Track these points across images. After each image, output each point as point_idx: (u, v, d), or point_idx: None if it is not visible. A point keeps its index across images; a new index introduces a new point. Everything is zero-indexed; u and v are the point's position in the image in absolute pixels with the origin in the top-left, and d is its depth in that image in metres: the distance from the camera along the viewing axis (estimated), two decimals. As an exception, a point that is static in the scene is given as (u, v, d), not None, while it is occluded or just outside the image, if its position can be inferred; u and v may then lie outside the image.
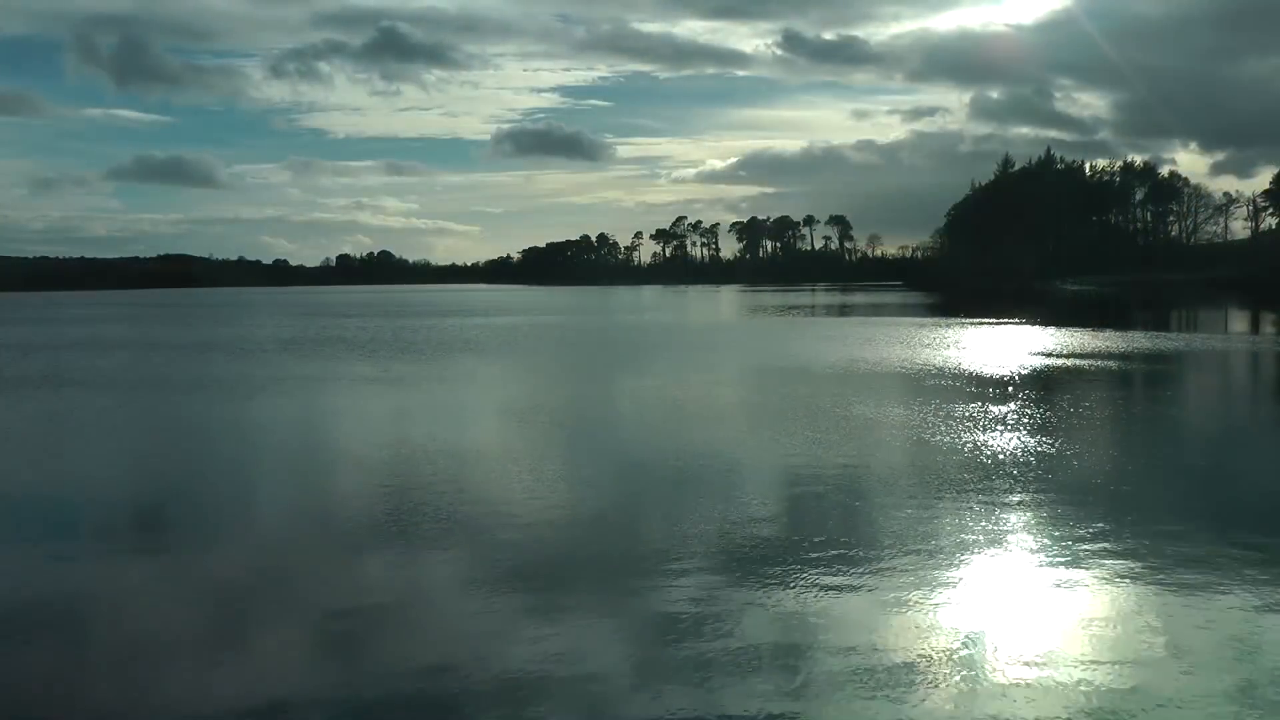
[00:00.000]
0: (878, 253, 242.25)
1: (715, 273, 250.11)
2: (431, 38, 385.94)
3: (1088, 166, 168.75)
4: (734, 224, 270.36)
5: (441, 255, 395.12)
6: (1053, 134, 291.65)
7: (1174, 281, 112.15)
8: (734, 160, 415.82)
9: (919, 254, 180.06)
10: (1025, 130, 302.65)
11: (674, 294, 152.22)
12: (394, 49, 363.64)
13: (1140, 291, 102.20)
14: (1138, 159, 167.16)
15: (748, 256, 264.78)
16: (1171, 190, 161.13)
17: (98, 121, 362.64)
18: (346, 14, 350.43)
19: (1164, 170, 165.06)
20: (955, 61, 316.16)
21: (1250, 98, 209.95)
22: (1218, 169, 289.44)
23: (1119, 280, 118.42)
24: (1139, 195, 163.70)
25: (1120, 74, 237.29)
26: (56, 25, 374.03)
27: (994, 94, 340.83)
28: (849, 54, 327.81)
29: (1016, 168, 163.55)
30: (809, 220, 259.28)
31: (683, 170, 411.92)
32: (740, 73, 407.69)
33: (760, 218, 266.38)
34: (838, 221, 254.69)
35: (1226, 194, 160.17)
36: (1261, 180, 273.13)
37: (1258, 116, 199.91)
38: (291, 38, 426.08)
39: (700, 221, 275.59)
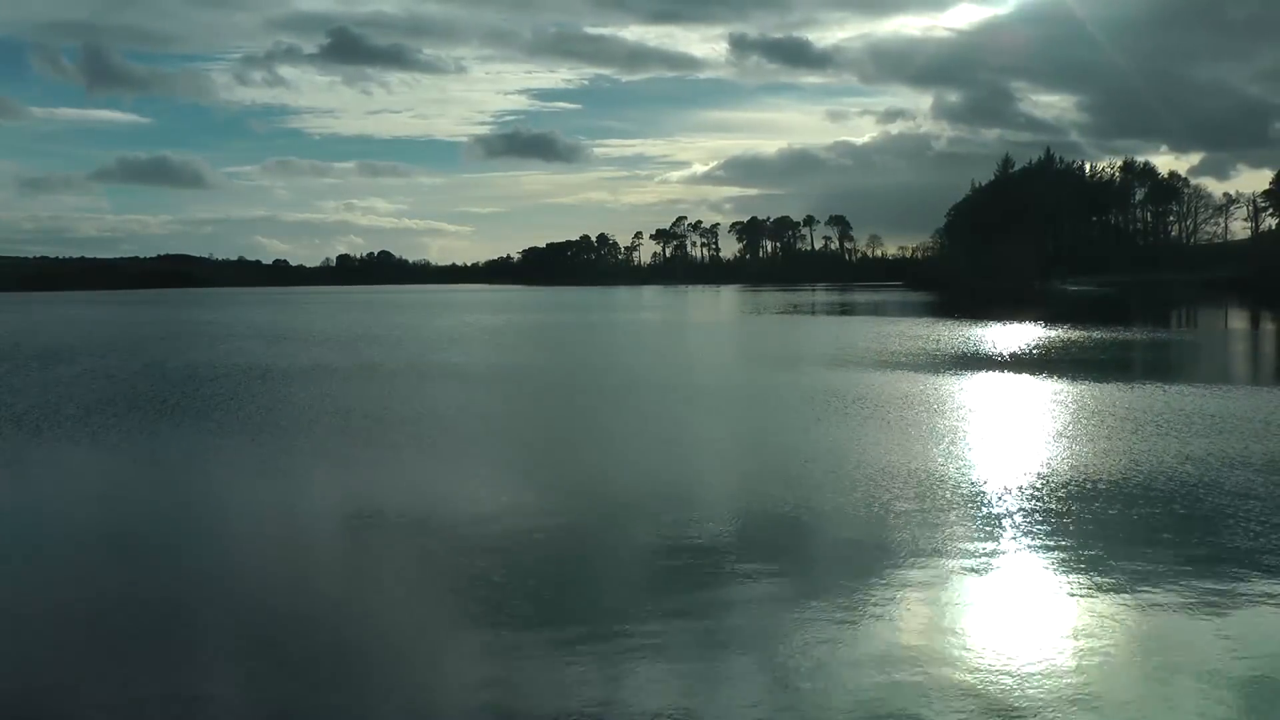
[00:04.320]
0: (878, 253, 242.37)
1: (716, 273, 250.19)
2: (385, 41, 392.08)
3: (1088, 167, 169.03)
4: (734, 224, 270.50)
5: (436, 255, 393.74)
6: (1026, 136, 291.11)
7: (1174, 282, 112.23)
8: (715, 162, 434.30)
9: (919, 254, 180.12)
10: (995, 132, 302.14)
11: (674, 294, 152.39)
12: (351, 52, 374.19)
13: (1140, 292, 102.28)
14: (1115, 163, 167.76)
15: (748, 257, 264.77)
16: (1171, 190, 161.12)
17: (75, 123, 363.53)
18: (296, 19, 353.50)
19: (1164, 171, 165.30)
20: (909, 65, 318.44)
21: (1214, 100, 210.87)
22: (1194, 173, 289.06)
23: (1119, 280, 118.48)
24: (1139, 195, 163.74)
25: (1079, 77, 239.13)
26: (20, 30, 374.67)
27: (952, 98, 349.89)
28: (801, 58, 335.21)
29: (1017, 168, 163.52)
30: (809, 220, 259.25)
31: (664, 171, 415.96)
32: (699, 75, 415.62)
33: (760, 218, 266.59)
34: (838, 222, 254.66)
35: (1226, 194, 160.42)
36: (1242, 183, 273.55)
37: (1223, 119, 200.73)
38: (247, 42, 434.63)
39: (700, 222, 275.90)
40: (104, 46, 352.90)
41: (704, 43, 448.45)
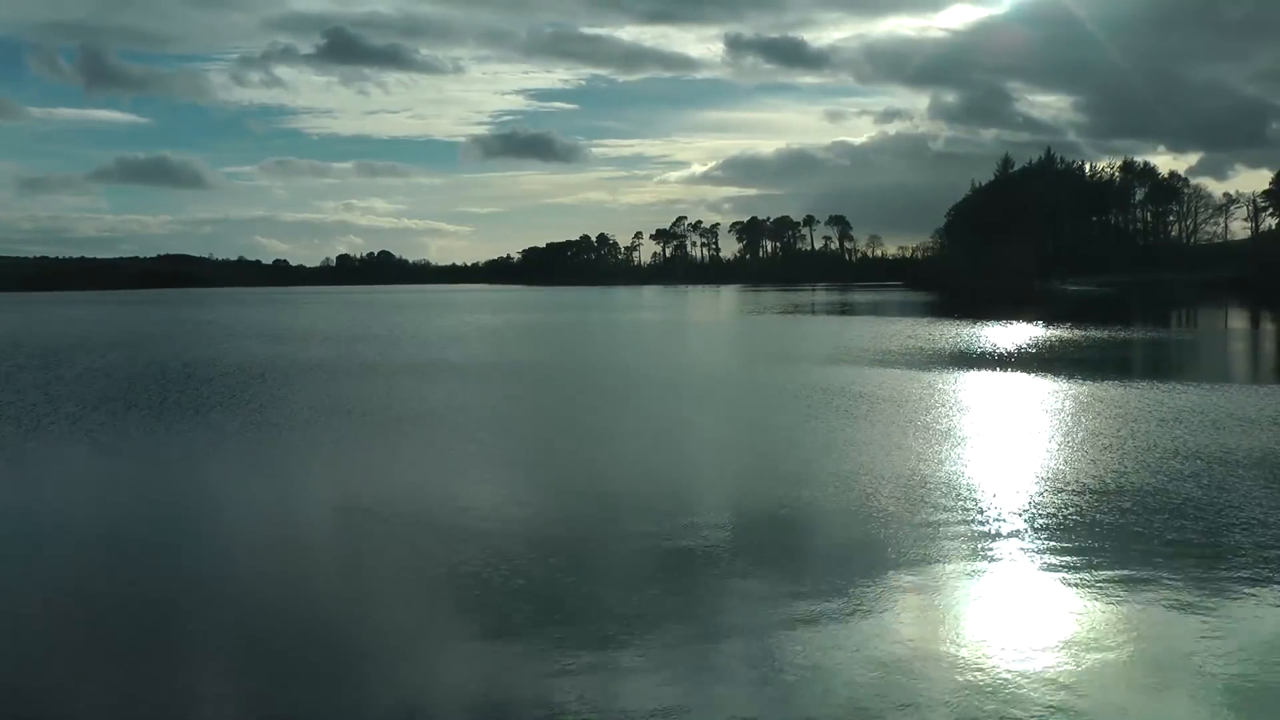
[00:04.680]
0: (877, 253, 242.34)
1: (716, 273, 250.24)
2: (382, 41, 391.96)
3: (1087, 167, 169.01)
4: (734, 224, 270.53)
5: (436, 255, 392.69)
6: (1024, 136, 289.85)
7: (1174, 282, 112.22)
8: (713, 162, 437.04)
9: (919, 254, 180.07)
10: (992, 132, 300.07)
11: (675, 294, 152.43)
12: (348, 53, 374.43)
13: (1140, 292, 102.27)
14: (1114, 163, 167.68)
15: (748, 257, 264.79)
16: (1171, 190, 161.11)
17: (74, 123, 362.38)
18: (292, 19, 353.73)
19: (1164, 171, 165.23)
20: (905, 66, 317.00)
21: (1211, 100, 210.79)
22: (1192, 173, 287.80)
23: (1119, 280, 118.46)
24: (1139, 195, 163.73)
25: (1076, 77, 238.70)
26: (19, 30, 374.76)
27: (949, 98, 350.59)
28: (798, 58, 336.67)
29: (1016, 168, 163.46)
30: (809, 220, 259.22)
31: (663, 171, 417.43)
32: (696, 75, 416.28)
33: (760, 218, 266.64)
34: (837, 222, 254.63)
35: (1226, 194, 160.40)
36: (1240, 183, 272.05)
37: (1221, 119, 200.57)
38: (244, 42, 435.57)
39: (700, 222, 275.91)
40: (102, 47, 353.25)
41: (700, 43, 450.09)
